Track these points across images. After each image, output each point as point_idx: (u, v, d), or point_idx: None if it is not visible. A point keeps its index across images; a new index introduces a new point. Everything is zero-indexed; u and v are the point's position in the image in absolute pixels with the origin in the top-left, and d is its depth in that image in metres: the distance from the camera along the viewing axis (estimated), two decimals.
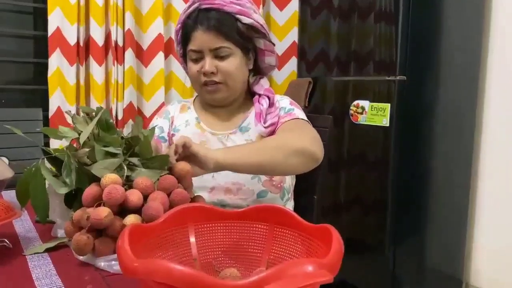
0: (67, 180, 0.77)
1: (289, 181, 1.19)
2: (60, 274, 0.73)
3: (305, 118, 1.14)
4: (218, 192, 1.10)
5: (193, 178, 0.88)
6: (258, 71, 1.23)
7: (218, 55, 1.09)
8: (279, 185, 1.13)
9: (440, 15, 1.93)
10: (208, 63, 1.09)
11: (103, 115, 0.87)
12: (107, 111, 0.90)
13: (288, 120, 1.12)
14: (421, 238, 2.02)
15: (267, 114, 1.14)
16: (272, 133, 1.12)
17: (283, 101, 1.19)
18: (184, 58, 1.19)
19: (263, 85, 1.20)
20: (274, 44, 1.19)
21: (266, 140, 1.04)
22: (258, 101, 1.17)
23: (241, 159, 0.92)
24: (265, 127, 1.11)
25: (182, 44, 1.16)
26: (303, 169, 1.03)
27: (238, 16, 1.10)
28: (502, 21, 2.06)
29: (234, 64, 1.11)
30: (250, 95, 1.22)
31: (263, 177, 1.11)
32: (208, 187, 1.09)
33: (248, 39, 1.13)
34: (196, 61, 1.12)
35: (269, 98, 1.17)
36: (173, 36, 2.22)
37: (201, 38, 1.09)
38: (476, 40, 2.08)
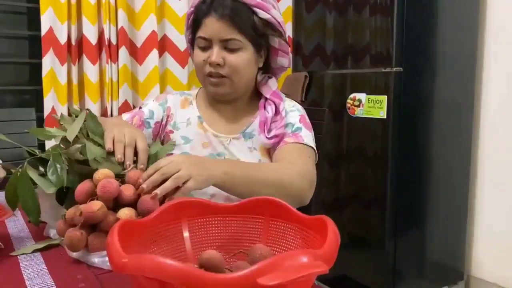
0: (53, 179, 0.76)
1: None
2: (52, 273, 0.71)
3: (310, 142, 1.08)
4: (218, 199, 1.06)
5: None
6: (268, 71, 1.16)
7: (227, 46, 1.02)
8: None
9: (435, 6, 1.91)
10: (216, 54, 1.02)
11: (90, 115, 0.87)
12: (94, 115, 0.91)
13: (292, 143, 1.06)
14: (422, 231, 2.01)
15: (272, 122, 1.08)
16: (275, 145, 1.07)
17: (293, 115, 1.11)
18: (192, 44, 1.11)
19: (271, 87, 1.13)
20: (289, 45, 1.12)
21: (261, 174, 0.95)
22: (264, 107, 1.11)
23: (235, 190, 0.91)
24: (268, 138, 1.06)
25: (192, 30, 1.09)
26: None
27: (255, 9, 1.02)
28: (499, 10, 2.05)
29: (243, 59, 1.03)
30: (256, 95, 1.16)
31: None
32: (208, 193, 1.06)
33: (262, 36, 1.05)
34: (203, 49, 1.04)
35: (275, 104, 1.11)
36: (167, 34, 2.22)
37: (213, 26, 1.01)
38: (472, 29, 2.07)
